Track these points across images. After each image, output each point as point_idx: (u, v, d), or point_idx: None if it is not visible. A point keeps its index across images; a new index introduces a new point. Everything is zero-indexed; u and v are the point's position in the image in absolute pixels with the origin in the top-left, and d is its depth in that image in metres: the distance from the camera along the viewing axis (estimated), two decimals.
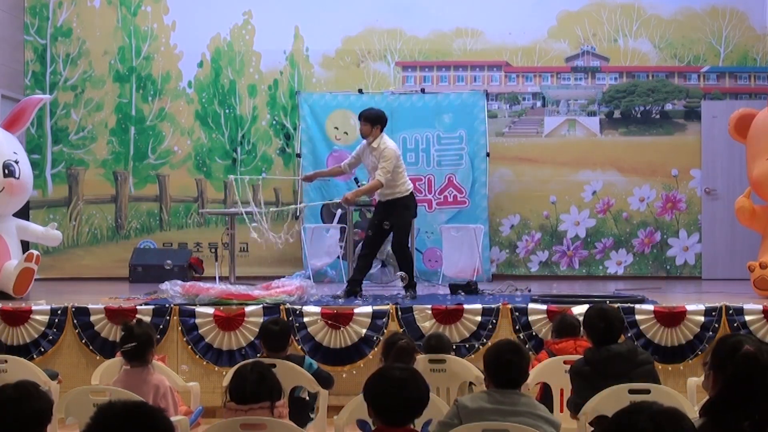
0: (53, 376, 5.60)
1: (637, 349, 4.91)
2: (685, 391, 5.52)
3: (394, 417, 3.34)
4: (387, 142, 8.27)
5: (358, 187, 9.01)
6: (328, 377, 5.44)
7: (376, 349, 7.12)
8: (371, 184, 8.31)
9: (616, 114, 11.35)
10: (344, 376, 7.13)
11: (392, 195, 8.27)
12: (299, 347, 7.11)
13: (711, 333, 7.16)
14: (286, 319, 7.17)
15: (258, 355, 5.96)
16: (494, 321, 7.31)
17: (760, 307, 7.24)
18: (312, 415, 5.33)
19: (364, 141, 8.36)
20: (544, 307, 7.36)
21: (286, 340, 5.48)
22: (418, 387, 3.40)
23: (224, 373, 5.98)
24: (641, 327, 7.20)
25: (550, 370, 5.26)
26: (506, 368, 3.93)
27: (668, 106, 11.30)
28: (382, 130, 8.30)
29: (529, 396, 4.01)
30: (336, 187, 10.72)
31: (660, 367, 6.38)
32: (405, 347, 5.14)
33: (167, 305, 7.42)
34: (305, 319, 7.31)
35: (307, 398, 5.31)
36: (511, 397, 3.86)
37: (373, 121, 8.26)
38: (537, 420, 3.77)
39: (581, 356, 4.91)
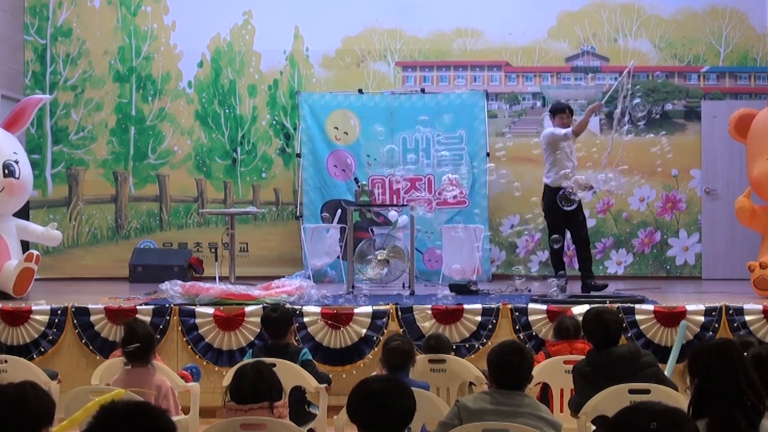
0: (53, 376, 5.60)
1: (641, 351, 4.87)
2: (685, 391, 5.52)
3: (380, 430, 3.16)
4: (547, 128, 9.06)
5: (359, 187, 9.31)
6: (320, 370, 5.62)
7: (376, 349, 7.13)
8: None
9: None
10: (344, 376, 7.14)
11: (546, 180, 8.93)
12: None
13: (711, 333, 7.16)
14: None
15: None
16: (494, 321, 7.32)
17: (760, 307, 7.25)
18: (311, 410, 5.35)
19: None
20: (544, 307, 7.36)
21: (285, 327, 5.66)
22: (401, 398, 3.16)
23: (224, 373, 5.98)
24: (641, 327, 7.20)
25: (550, 371, 5.27)
26: (508, 369, 3.92)
27: (668, 106, 11.29)
28: (560, 120, 8.89)
29: (531, 397, 4.00)
30: (336, 187, 10.74)
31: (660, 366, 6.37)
32: (396, 349, 4.96)
33: (167, 305, 7.43)
34: (305, 319, 7.31)
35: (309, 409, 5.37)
36: (513, 398, 3.85)
37: (552, 113, 9.06)
38: (538, 421, 3.76)
39: (582, 357, 4.91)
